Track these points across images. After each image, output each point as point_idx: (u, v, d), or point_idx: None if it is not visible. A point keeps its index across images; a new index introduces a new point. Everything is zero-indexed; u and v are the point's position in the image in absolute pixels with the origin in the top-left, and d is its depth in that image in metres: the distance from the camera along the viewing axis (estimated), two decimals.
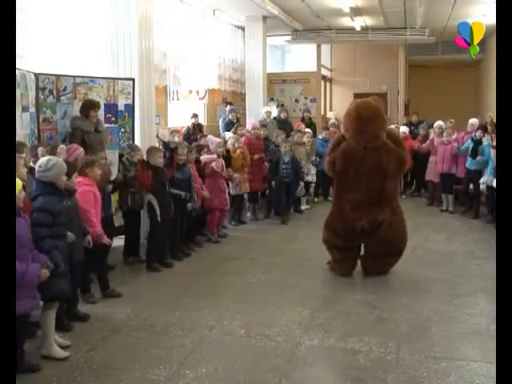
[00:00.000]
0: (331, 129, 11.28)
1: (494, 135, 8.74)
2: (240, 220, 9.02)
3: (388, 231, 6.18)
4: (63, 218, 4.35)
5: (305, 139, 10.20)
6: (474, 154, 9.15)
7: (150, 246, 6.65)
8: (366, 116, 6.11)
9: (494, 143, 8.48)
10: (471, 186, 9.33)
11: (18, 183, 3.90)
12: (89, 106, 6.60)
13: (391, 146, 6.20)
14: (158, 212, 6.43)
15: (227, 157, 8.37)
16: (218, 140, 8.20)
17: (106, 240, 5.33)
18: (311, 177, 10.32)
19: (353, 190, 6.15)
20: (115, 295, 5.65)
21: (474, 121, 10.30)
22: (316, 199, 10.96)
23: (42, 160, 4.42)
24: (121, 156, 6.86)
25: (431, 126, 11.06)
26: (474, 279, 6.29)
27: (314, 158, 10.32)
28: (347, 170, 6.18)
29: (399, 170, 6.43)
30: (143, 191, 6.51)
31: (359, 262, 6.48)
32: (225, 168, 8.02)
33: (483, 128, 9.51)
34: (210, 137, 8.52)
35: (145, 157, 6.68)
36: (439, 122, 10.54)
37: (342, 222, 6.23)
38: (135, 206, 6.58)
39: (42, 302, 4.20)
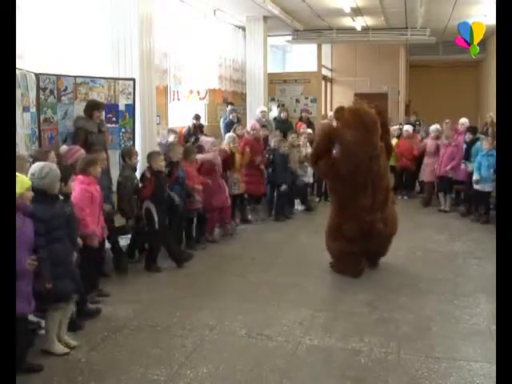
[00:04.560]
0: None
1: (488, 138, 8.82)
2: (243, 219, 9.01)
3: (393, 224, 6.30)
4: (58, 222, 4.30)
5: (299, 141, 10.12)
6: (467, 156, 9.30)
7: (149, 248, 6.65)
8: (370, 126, 6.10)
9: (485, 146, 8.59)
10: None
11: (27, 182, 3.88)
12: (93, 107, 6.59)
13: (383, 146, 6.33)
14: (157, 219, 6.43)
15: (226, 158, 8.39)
16: (212, 140, 8.16)
17: (94, 243, 5.23)
18: (308, 178, 10.29)
19: (362, 196, 6.09)
20: (103, 295, 5.64)
21: (463, 120, 10.37)
22: (318, 199, 10.95)
23: (36, 167, 4.29)
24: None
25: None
26: (475, 279, 6.29)
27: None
28: (355, 177, 6.08)
29: (388, 161, 6.67)
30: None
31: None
32: (221, 166, 7.99)
33: (472, 130, 9.59)
34: (202, 138, 8.51)
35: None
36: (436, 126, 10.55)
37: (360, 228, 6.09)
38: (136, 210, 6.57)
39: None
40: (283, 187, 9.24)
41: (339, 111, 6.31)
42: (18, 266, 3.67)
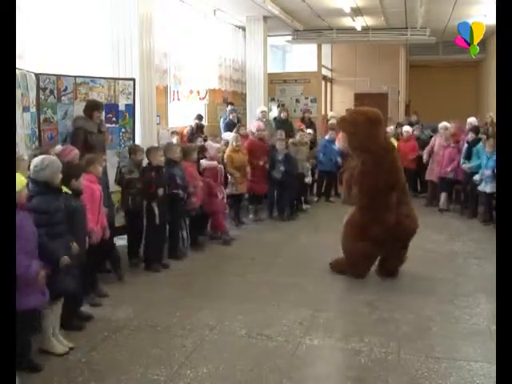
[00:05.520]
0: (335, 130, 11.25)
1: (489, 139, 8.82)
2: (239, 220, 9.02)
3: (415, 220, 6.26)
4: (60, 217, 4.33)
5: (306, 139, 10.24)
6: (468, 156, 9.29)
7: (148, 247, 6.66)
8: (373, 116, 6.18)
9: (488, 148, 8.60)
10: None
11: (23, 181, 3.89)
12: (93, 107, 6.58)
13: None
14: (157, 213, 6.44)
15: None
16: (218, 145, 8.21)
17: (92, 239, 5.18)
18: (308, 178, 10.31)
19: (390, 194, 6.06)
20: (102, 295, 5.64)
21: (472, 120, 10.33)
22: (316, 198, 10.96)
23: (37, 160, 4.38)
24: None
25: (434, 129, 11.07)
26: (475, 279, 6.29)
27: (312, 159, 10.35)
28: (380, 178, 6.02)
29: None
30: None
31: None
32: (223, 172, 8.02)
33: (475, 130, 9.57)
34: (209, 142, 8.55)
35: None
36: (444, 124, 10.46)
37: (387, 229, 6.00)
38: (136, 207, 6.58)
39: None
40: (277, 175, 9.21)
41: (341, 119, 6.46)
42: (25, 262, 3.70)
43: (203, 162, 7.79)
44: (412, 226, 6.20)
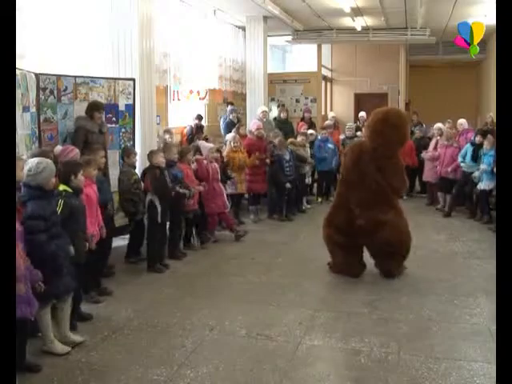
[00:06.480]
0: (328, 130, 11.24)
1: (489, 137, 8.78)
2: (239, 220, 9.00)
3: (391, 234, 6.10)
4: (55, 219, 4.32)
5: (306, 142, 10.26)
6: (476, 158, 9.15)
7: (150, 246, 6.65)
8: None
9: (487, 145, 8.60)
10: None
11: None
12: (94, 108, 6.59)
13: None
14: (160, 211, 6.43)
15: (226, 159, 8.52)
16: (210, 145, 8.16)
17: (91, 245, 5.06)
18: (308, 179, 10.32)
19: (358, 189, 6.19)
20: (106, 293, 5.65)
21: (462, 121, 10.42)
22: (320, 199, 10.97)
23: (32, 163, 4.27)
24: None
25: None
26: (475, 279, 6.29)
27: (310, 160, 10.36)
28: (353, 170, 6.29)
29: None
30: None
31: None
32: (219, 171, 7.99)
33: (482, 133, 9.51)
34: (202, 142, 8.51)
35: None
36: (438, 125, 10.54)
37: (347, 220, 6.21)
38: (137, 208, 6.58)
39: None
40: (288, 186, 9.25)
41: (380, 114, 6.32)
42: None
43: (197, 157, 7.79)
44: (390, 237, 6.10)
